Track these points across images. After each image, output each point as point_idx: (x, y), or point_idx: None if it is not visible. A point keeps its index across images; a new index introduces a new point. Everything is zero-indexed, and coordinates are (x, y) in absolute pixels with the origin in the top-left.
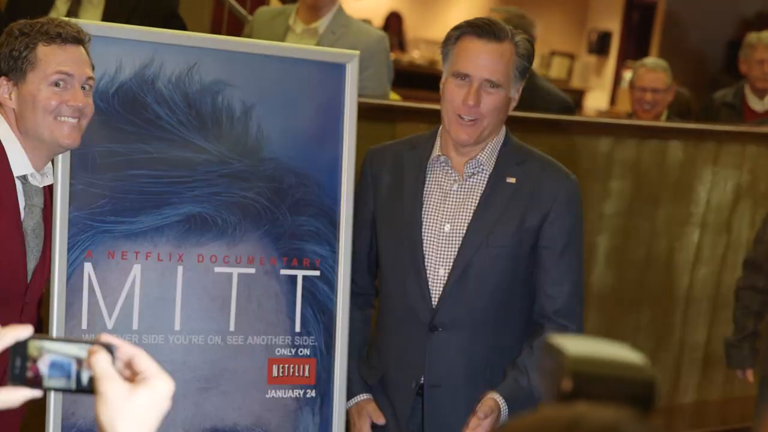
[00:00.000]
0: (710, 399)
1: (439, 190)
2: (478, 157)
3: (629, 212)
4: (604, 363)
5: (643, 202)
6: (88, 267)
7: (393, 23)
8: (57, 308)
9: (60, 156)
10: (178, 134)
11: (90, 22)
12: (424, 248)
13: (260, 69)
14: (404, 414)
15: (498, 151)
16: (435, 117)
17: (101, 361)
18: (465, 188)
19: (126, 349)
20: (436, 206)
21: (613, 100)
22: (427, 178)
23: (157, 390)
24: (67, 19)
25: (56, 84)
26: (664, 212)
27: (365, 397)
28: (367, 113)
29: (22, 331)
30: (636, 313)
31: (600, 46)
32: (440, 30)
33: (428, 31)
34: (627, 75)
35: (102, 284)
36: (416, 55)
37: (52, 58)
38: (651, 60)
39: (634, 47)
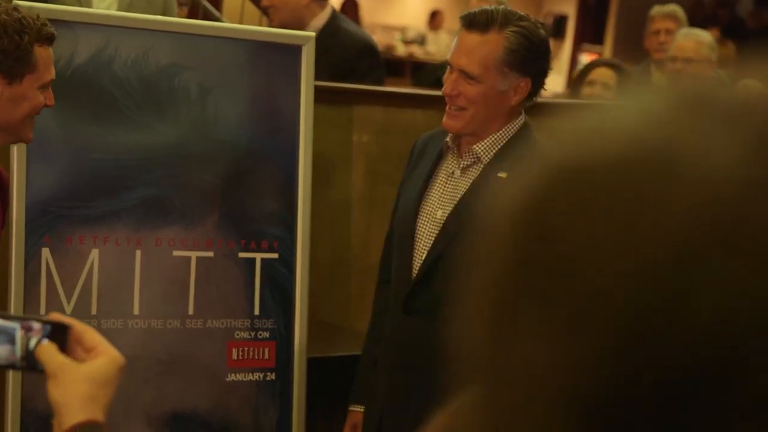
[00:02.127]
0: None
1: (444, 176)
2: (474, 148)
3: None
4: None
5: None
6: (45, 252)
7: (349, 9)
8: (15, 294)
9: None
10: (134, 117)
11: (46, 6)
12: (416, 232)
13: (216, 52)
14: (380, 392)
15: (501, 144)
16: (391, 100)
17: (46, 348)
18: (463, 177)
19: (75, 326)
20: (437, 192)
21: (569, 82)
22: (440, 165)
23: (106, 364)
24: (43, 18)
25: (45, 87)
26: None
27: (359, 409)
28: (323, 96)
29: None
30: None
31: (556, 29)
32: (396, 16)
33: (384, 17)
34: (582, 58)
35: (60, 269)
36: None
37: (47, 63)
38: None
39: (591, 31)
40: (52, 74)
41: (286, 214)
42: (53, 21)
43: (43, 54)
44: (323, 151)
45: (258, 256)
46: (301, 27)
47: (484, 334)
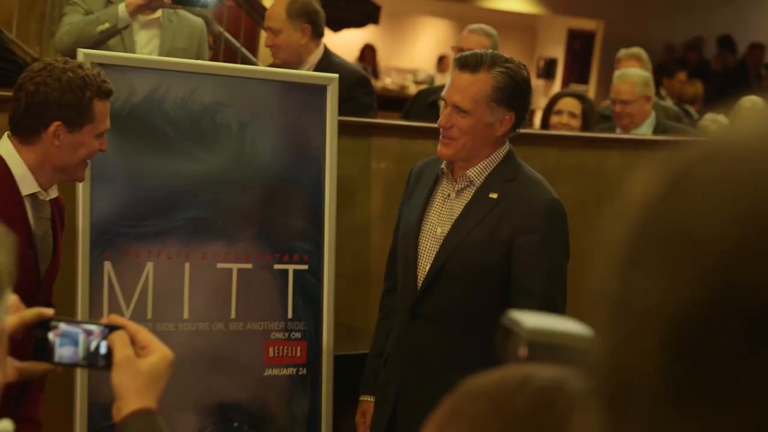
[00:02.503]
0: None
1: (441, 198)
2: (468, 173)
3: (573, 212)
4: (556, 334)
5: (588, 202)
6: (107, 265)
7: (367, 54)
8: (81, 301)
9: None
10: (182, 148)
11: (104, 53)
12: (419, 247)
13: (252, 91)
14: (392, 388)
15: (491, 169)
16: (405, 132)
17: (122, 337)
18: (459, 199)
19: (130, 327)
20: (436, 212)
21: None
22: (436, 188)
23: (158, 359)
24: (104, 72)
25: (101, 135)
26: (605, 212)
27: (370, 399)
28: (346, 129)
29: (44, 312)
30: (577, 300)
31: (547, 71)
32: (408, 60)
33: (398, 61)
34: None
35: (120, 279)
36: (388, 81)
37: (104, 114)
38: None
39: (577, 72)
40: (107, 125)
41: (314, 231)
42: (113, 66)
43: (101, 107)
44: (346, 177)
45: (291, 268)
46: (300, 63)
47: (614, 277)
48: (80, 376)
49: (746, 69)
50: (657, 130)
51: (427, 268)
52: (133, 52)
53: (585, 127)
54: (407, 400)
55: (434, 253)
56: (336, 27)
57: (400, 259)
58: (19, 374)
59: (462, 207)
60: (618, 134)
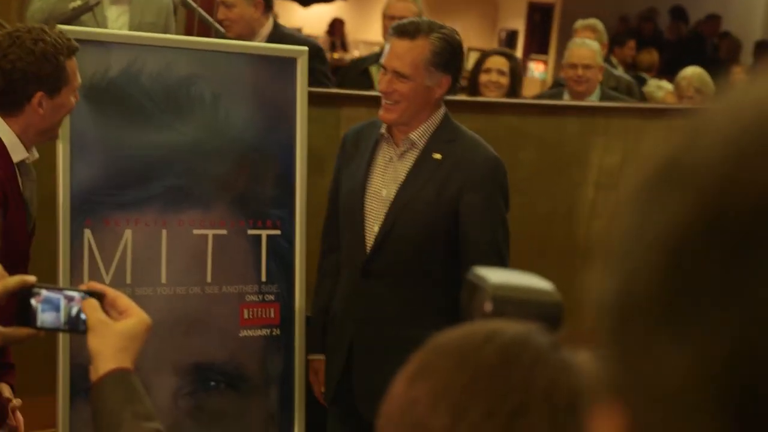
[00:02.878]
0: None
1: (383, 161)
2: (410, 135)
3: (536, 176)
4: (520, 289)
5: (547, 167)
6: (87, 233)
7: (336, 27)
8: (62, 268)
9: (61, 142)
10: (159, 120)
11: (83, 29)
12: (365, 209)
13: (226, 64)
14: (345, 344)
15: (431, 131)
16: (371, 102)
17: (91, 303)
18: (401, 161)
19: (109, 293)
20: (379, 175)
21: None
22: (377, 151)
23: (135, 322)
24: (67, 28)
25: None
26: (564, 176)
27: (321, 357)
28: (316, 100)
29: (27, 279)
30: (542, 259)
31: (508, 42)
32: (376, 33)
33: (366, 34)
34: (531, 66)
35: (100, 247)
36: (357, 53)
37: (75, 72)
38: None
39: (537, 42)
40: (78, 80)
41: (286, 198)
42: (91, 42)
43: (72, 65)
44: (316, 145)
45: (264, 233)
46: (252, 36)
47: (624, 218)
48: (62, 340)
49: (702, 38)
50: (602, 99)
51: (376, 228)
52: (105, 27)
53: (513, 85)
54: (361, 355)
55: (382, 214)
56: (306, 2)
57: (345, 221)
58: (3, 339)
59: (406, 169)
60: (575, 101)
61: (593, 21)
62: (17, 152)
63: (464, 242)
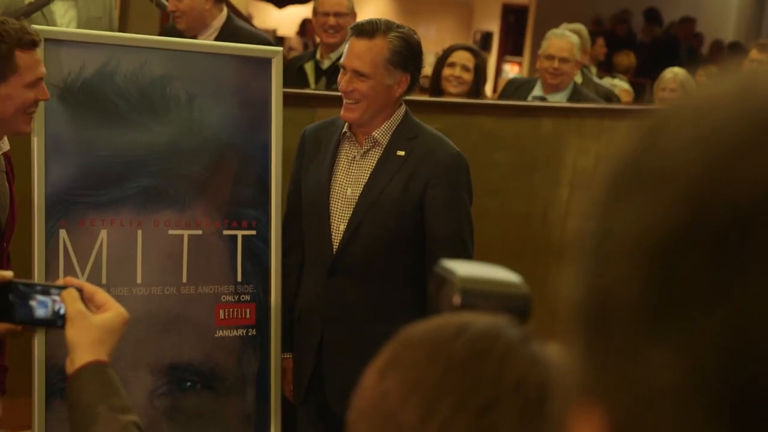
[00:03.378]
0: None
1: (346, 160)
2: (373, 134)
3: (511, 178)
4: (488, 281)
5: (521, 168)
6: (62, 233)
7: (308, 28)
8: (37, 268)
9: (35, 142)
10: (134, 120)
11: (57, 29)
12: (330, 208)
13: (201, 64)
14: (313, 342)
15: (393, 129)
16: None
17: (71, 293)
18: (365, 160)
19: (87, 288)
20: (343, 173)
21: (495, 88)
22: (339, 150)
23: (113, 316)
24: (27, 24)
25: (33, 85)
26: (539, 177)
27: (288, 356)
28: (291, 100)
29: (4, 274)
30: (518, 260)
31: (483, 44)
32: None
33: None
34: (506, 67)
35: (75, 247)
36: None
37: (30, 64)
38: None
39: (512, 44)
40: (36, 74)
41: (261, 198)
42: (65, 42)
43: (24, 57)
44: (291, 146)
45: (239, 233)
46: (203, 28)
47: (595, 215)
48: (38, 341)
49: (676, 41)
50: (572, 97)
51: (342, 227)
52: (53, 23)
53: (476, 82)
54: (330, 353)
55: (347, 212)
56: (280, 3)
57: (309, 220)
58: None
59: (370, 167)
60: (548, 103)
61: (578, 26)
62: None
63: (429, 237)
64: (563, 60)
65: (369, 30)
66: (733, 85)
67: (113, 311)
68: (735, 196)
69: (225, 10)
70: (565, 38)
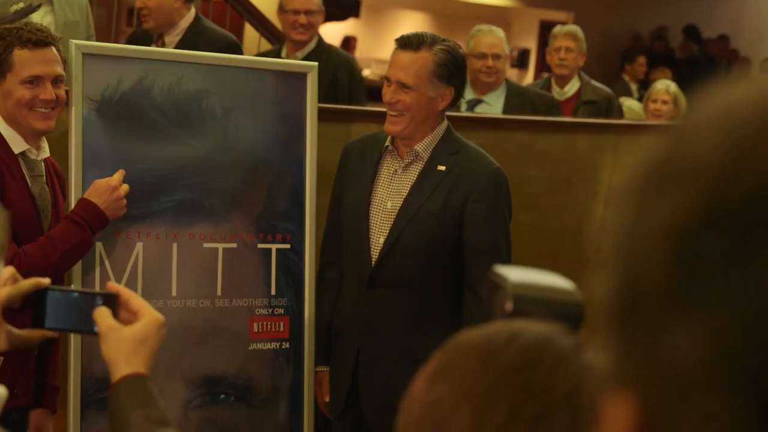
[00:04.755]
0: None
1: (387, 173)
2: (415, 147)
3: (546, 193)
4: (541, 287)
5: (557, 184)
6: (99, 246)
7: (348, 46)
8: (74, 280)
9: (73, 154)
10: (170, 134)
11: (95, 43)
12: (369, 220)
13: (237, 79)
14: (351, 355)
15: (435, 143)
16: (381, 119)
17: (101, 311)
18: (406, 173)
19: (123, 294)
20: (384, 187)
21: None
22: (381, 164)
23: (145, 323)
24: (38, 24)
25: (30, 82)
26: (574, 192)
27: (325, 369)
28: (327, 115)
29: (42, 281)
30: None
31: (520, 61)
32: (388, 51)
33: (378, 53)
34: None
35: (111, 259)
36: (368, 72)
37: (25, 62)
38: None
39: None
40: (31, 70)
41: (295, 212)
42: (102, 56)
43: (22, 55)
44: (326, 160)
45: (273, 247)
46: (171, 27)
47: (625, 212)
48: (74, 350)
49: (714, 58)
50: (511, 97)
51: (381, 240)
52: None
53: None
54: (368, 366)
55: (387, 225)
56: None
57: (349, 233)
58: (20, 341)
59: (410, 181)
60: (587, 119)
61: (574, 28)
62: (16, 144)
63: (468, 251)
64: (496, 57)
65: (415, 42)
66: (752, 89)
67: (146, 318)
68: (750, 186)
69: (193, 9)
70: (493, 33)
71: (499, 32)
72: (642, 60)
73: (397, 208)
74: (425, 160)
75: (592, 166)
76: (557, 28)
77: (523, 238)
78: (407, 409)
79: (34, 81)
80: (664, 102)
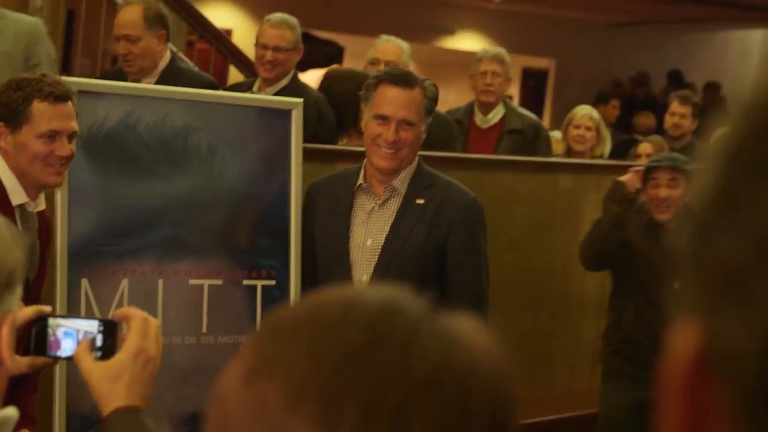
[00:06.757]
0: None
1: (362, 211)
2: (393, 183)
3: (530, 233)
4: None
5: (540, 224)
6: (84, 283)
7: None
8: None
9: (59, 191)
10: (155, 170)
11: (81, 80)
12: (350, 259)
13: (221, 115)
14: None
15: (410, 178)
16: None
17: (79, 351)
18: (383, 210)
19: (120, 312)
20: (361, 225)
21: None
22: (354, 202)
23: (118, 358)
24: (58, 77)
25: (47, 137)
26: (558, 232)
27: None
28: (310, 155)
29: (43, 308)
30: (537, 315)
31: None
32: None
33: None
34: None
35: (96, 296)
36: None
37: (44, 116)
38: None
39: (532, 108)
40: (50, 126)
41: (280, 248)
42: (88, 93)
43: (40, 108)
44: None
45: (259, 283)
46: (153, 69)
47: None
48: (59, 387)
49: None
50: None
51: (364, 278)
52: None
53: None
54: None
55: (370, 263)
56: (301, 68)
57: (328, 274)
58: (28, 368)
59: (389, 217)
60: (569, 159)
61: (501, 51)
62: (16, 195)
63: (450, 280)
64: (388, 63)
65: (409, 80)
66: None
67: (122, 351)
68: None
69: (169, 52)
70: (392, 42)
71: (402, 43)
72: (615, 103)
73: (379, 245)
74: (403, 194)
75: (576, 206)
76: (481, 51)
77: (507, 278)
78: (217, 417)
79: (52, 136)
80: (588, 128)
